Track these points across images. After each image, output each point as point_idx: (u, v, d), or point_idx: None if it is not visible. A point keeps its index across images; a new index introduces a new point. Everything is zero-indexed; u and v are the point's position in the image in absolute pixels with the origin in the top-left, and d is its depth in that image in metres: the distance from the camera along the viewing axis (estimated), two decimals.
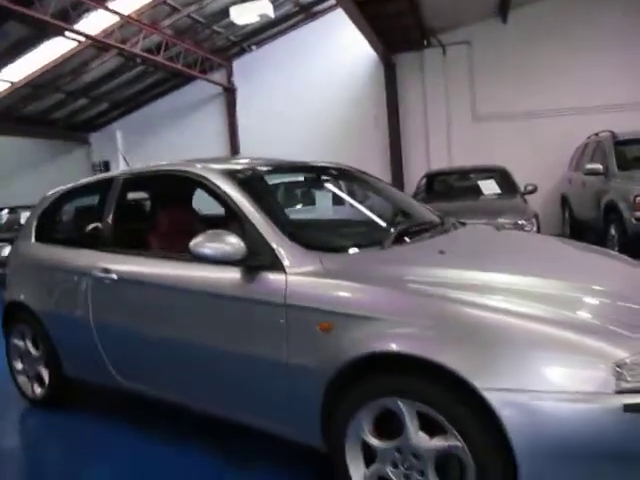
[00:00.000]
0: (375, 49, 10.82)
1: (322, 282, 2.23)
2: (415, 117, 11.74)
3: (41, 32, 8.53)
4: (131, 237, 3.26)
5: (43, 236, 3.80)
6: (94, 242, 3.28)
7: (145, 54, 9.95)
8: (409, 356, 1.92)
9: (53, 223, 3.97)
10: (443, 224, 3.21)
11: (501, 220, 6.59)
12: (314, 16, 11.93)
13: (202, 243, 2.37)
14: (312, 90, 12.23)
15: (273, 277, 2.32)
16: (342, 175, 3.78)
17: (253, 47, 12.61)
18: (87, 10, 8.38)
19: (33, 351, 3.67)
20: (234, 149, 13.14)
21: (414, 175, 10.96)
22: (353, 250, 2.48)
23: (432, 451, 1.93)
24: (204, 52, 11.72)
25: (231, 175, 2.76)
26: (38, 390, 3.69)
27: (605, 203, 7.17)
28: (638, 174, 6.80)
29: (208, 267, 2.52)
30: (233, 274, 2.43)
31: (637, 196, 6.31)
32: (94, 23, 8.99)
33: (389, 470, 2.03)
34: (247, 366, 2.41)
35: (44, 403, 3.69)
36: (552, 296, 2.04)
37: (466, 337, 1.87)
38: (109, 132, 14.22)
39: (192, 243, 2.38)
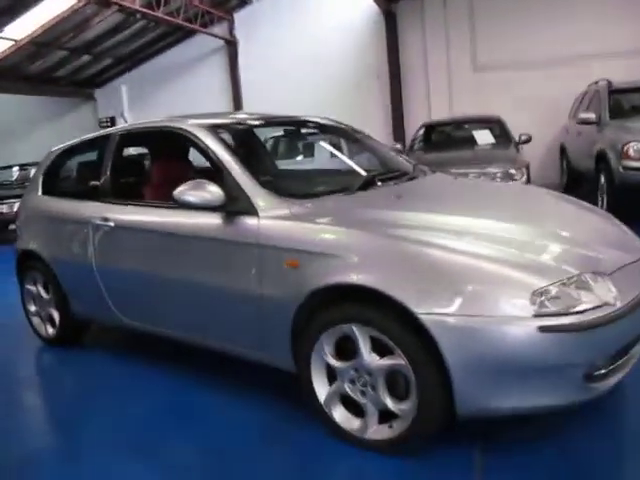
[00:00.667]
0: None
1: (289, 224, 2.53)
2: (416, 68, 11.74)
3: None
4: (127, 189, 3.57)
5: (49, 189, 4.11)
6: (94, 194, 3.58)
7: (144, 9, 10.02)
8: (362, 287, 2.22)
9: (57, 177, 4.27)
10: (413, 172, 3.45)
11: (490, 169, 6.80)
12: None
13: (185, 191, 2.66)
14: (312, 42, 12.22)
15: (247, 221, 2.62)
16: (324, 128, 4.01)
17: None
18: None
19: (44, 294, 4.02)
20: (237, 103, 13.25)
21: (415, 126, 11.01)
22: (320, 196, 2.77)
23: (382, 369, 2.25)
24: (204, 5, 11.71)
25: (213, 130, 3.03)
26: (50, 330, 4.07)
27: (596, 152, 7.28)
28: (630, 123, 6.84)
29: (194, 213, 2.81)
30: (214, 219, 2.73)
31: (625, 145, 6.39)
32: None
33: (347, 387, 2.37)
34: (228, 299, 2.74)
35: (56, 341, 4.08)
36: (494, 236, 2.30)
37: (408, 270, 2.16)
38: (114, 87, 14.35)
39: (176, 191, 2.67)
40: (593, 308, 2.00)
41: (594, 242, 2.43)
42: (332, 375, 2.44)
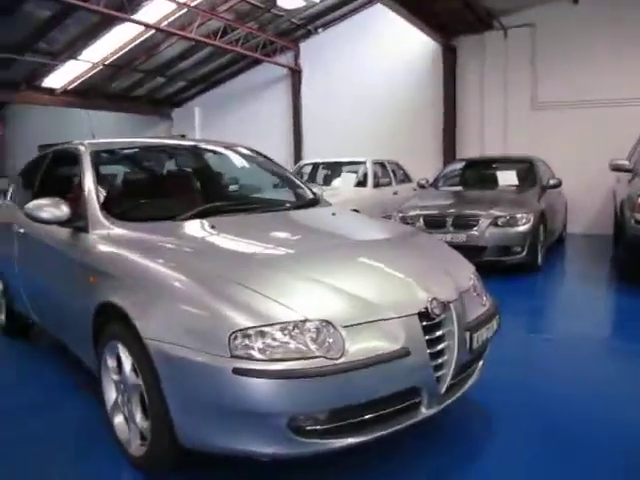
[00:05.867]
0: (430, 36, 10.76)
1: (99, 245, 2.73)
2: (472, 101, 11.49)
3: (108, 19, 9.50)
4: None
5: (14, 199, 4.58)
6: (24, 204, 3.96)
7: (203, 39, 10.68)
8: (115, 306, 2.36)
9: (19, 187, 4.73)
10: (288, 204, 3.49)
11: (493, 211, 6.56)
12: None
13: (35, 206, 2.90)
14: (371, 74, 12.39)
15: (82, 237, 2.85)
16: (218, 153, 4.18)
17: (319, 30, 12.96)
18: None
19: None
20: (296, 129, 13.66)
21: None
22: (148, 221, 2.89)
23: (135, 387, 2.34)
24: (267, 35, 12.26)
25: (95, 154, 3.29)
26: (1, 317, 4.50)
27: (620, 202, 6.78)
28: None
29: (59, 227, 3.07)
30: (64, 233, 3.01)
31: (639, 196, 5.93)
32: (157, 9, 9.86)
33: (119, 398, 2.51)
34: (64, 305, 3.05)
35: (5, 332, 4.50)
36: (253, 270, 2.29)
37: (148, 294, 2.28)
38: (189, 108, 15.34)
39: (27, 206, 2.94)
40: (299, 358, 1.95)
41: (372, 289, 2.27)
42: None
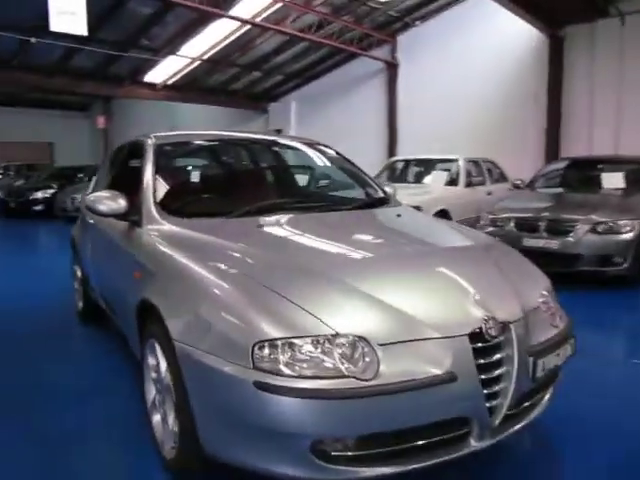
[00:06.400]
0: (534, 25, 10.06)
1: (146, 240, 2.66)
2: (580, 96, 10.61)
3: (205, 15, 9.73)
4: None
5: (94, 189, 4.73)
6: None
7: (298, 33, 10.67)
8: (150, 303, 2.28)
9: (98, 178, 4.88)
10: (351, 204, 3.26)
11: (593, 217, 5.94)
12: None
13: (95, 199, 2.90)
14: (468, 67, 11.83)
15: (135, 231, 2.81)
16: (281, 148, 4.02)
17: (417, 22, 12.55)
18: None
19: (79, 274, 4.64)
20: (391, 124, 13.36)
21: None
22: (201, 217, 2.78)
23: (169, 388, 2.21)
24: (363, 28, 12.04)
25: (156, 146, 3.25)
26: (80, 304, 4.66)
27: None
28: None
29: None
30: (122, 226, 2.99)
31: None
32: (252, 4, 9.97)
33: (157, 398, 2.42)
34: (119, 298, 3.03)
35: (82, 317, 4.67)
36: (291, 273, 2.13)
37: (183, 295, 2.17)
38: (286, 102, 15.48)
39: (87, 198, 2.95)
40: (327, 377, 1.75)
41: (421, 303, 2.01)
42: None
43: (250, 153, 4.02)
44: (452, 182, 8.53)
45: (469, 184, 8.59)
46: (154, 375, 2.44)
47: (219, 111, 15.46)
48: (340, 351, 1.80)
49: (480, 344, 1.94)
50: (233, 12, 9.76)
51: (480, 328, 1.95)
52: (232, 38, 11.13)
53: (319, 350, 1.80)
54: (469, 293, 2.10)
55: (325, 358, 1.79)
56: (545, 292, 2.43)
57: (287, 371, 1.77)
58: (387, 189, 3.72)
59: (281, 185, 3.86)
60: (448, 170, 8.82)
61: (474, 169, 9.14)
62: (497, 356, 1.99)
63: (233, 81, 13.98)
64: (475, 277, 2.26)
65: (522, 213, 6.43)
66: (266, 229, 2.64)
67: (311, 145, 3.92)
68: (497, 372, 1.98)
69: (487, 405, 1.95)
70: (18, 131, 19.57)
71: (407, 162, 9.86)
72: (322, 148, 3.90)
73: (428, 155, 9.55)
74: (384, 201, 3.42)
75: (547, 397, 2.36)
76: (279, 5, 9.99)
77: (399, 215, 3.11)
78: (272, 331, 1.82)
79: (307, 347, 1.80)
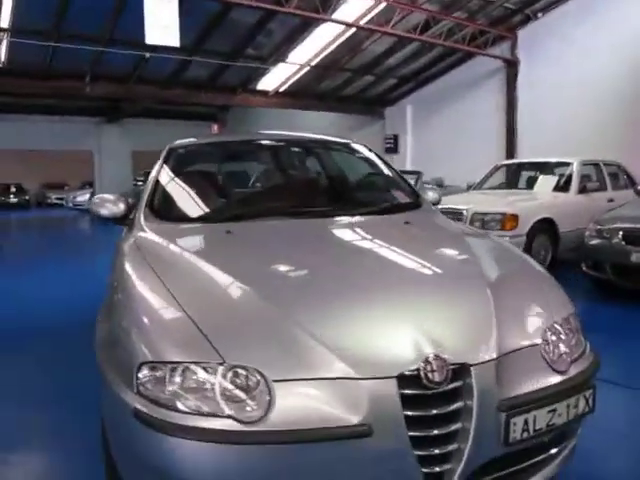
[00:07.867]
0: None
1: (124, 247, 2.52)
2: None
3: (307, 21, 9.72)
4: None
5: None
6: None
7: (404, 34, 10.26)
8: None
9: None
10: (358, 210, 2.87)
11: None
12: None
13: (99, 201, 2.87)
14: (598, 61, 10.55)
15: (129, 235, 2.72)
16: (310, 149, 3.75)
17: (539, 14, 11.51)
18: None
19: None
20: (510, 126, 12.41)
21: None
22: (185, 222, 2.66)
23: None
24: (478, 25, 11.29)
25: (171, 150, 3.17)
26: None
27: None
28: None
29: None
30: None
31: None
32: (355, 7, 9.78)
33: None
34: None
35: None
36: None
37: (109, 302, 2.10)
38: (401, 107, 15.06)
39: (93, 199, 2.93)
40: (206, 414, 1.47)
41: (349, 335, 1.62)
42: None
43: (271, 156, 3.82)
44: (562, 188, 7.64)
45: (583, 190, 7.62)
46: None
47: (336, 117, 15.42)
48: (224, 384, 1.51)
49: (413, 391, 1.54)
50: (336, 16, 9.63)
51: (417, 369, 1.55)
52: (338, 42, 11.02)
53: (200, 379, 1.52)
54: (418, 326, 1.68)
55: (206, 390, 1.51)
56: (558, 325, 1.91)
57: (166, 400, 1.52)
58: (430, 193, 3.33)
59: (290, 186, 3.56)
60: (561, 175, 7.92)
61: (594, 173, 8.13)
62: (448, 408, 1.57)
63: (345, 86, 13.88)
64: (435, 307, 1.83)
65: (633, 223, 5.52)
66: (231, 237, 2.40)
67: (336, 143, 3.66)
68: (446, 429, 1.56)
69: (424, 471, 1.53)
70: (154, 139, 21.19)
71: (516, 166, 9.06)
72: (353, 146, 3.61)
73: (540, 158, 8.67)
74: (413, 205, 3.02)
75: (550, 468, 1.84)
76: (382, 5, 9.67)
77: (407, 222, 2.68)
78: (152, 355, 1.59)
79: (190, 374, 1.53)
